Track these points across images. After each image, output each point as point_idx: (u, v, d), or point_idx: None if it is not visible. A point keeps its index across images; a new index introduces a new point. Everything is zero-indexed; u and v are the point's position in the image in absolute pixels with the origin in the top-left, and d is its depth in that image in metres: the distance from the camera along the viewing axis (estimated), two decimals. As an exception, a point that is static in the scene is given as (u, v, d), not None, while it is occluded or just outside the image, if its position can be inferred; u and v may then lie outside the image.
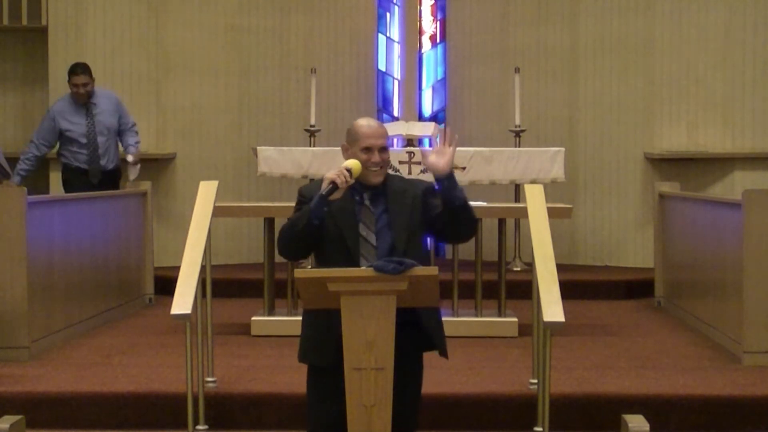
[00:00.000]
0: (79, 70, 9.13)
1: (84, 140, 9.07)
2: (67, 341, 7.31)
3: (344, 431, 4.01)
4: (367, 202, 4.16)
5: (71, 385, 6.00)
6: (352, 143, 4.19)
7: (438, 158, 4.05)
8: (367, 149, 4.14)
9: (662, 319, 8.52)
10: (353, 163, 4.08)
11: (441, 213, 4.11)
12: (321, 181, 4.13)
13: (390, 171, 4.31)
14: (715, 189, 10.39)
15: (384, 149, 4.15)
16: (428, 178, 4.29)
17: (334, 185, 4.00)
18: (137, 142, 9.35)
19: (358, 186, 4.15)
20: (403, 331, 3.97)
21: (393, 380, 3.92)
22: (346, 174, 4.02)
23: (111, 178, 9.22)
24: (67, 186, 9.20)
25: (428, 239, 4.33)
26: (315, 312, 4.16)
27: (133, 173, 9.25)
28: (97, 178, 9.07)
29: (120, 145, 9.35)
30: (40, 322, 6.97)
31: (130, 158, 9.21)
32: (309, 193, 4.17)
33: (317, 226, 4.07)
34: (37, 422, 5.61)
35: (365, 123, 4.23)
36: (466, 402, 5.78)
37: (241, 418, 5.77)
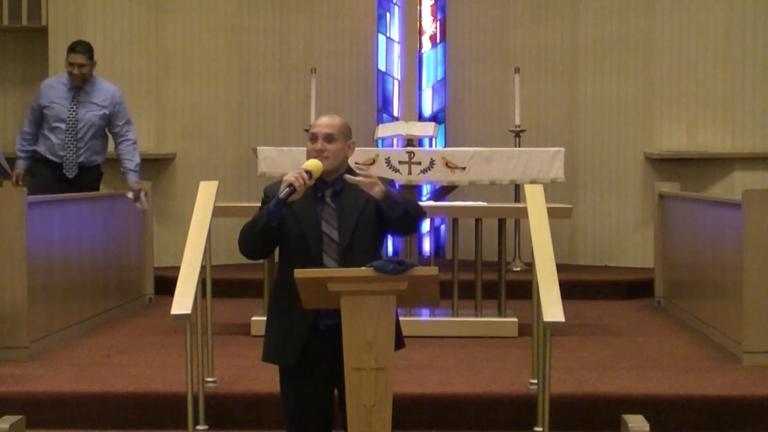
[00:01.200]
0: (78, 48, 8.37)
1: (62, 125, 8.24)
2: (67, 341, 7.31)
3: (310, 422, 4.17)
4: (328, 199, 4.20)
5: (71, 385, 6.00)
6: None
7: (369, 189, 4.06)
8: (312, 137, 4.26)
9: (662, 319, 8.52)
10: (313, 164, 4.13)
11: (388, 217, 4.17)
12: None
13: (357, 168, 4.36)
14: (715, 189, 10.39)
15: (329, 138, 4.21)
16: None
17: (292, 187, 4.03)
18: (137, 165, 8.38)
19: (321, 183, 4.20)
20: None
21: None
22: (305, 176, 4.05)
23: (90, 177, 8.42)
24: (35, 180, 8.28)
25: (386, 237, 4.35)
26: (277, 312, 4.22)
27: (140, 205, 8.53)
28: (72, 171, 8.26)
29: (118, 156, 8.46)
30: (40, 322, 6.96)
31: (130, 194, 8.40)
32: (272, 192, 4.21)
33: (276, 227, 4.12)
34: (37, 422, 5.61)
35: (323, 116, 4.37)
36: (466, 402, 5.77)
37: (241, 418, 5.77)
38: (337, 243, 4.13)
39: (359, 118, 11.17)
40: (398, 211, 4.07)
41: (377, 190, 4.04)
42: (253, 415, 5.76)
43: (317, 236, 4.14)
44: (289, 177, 4.06)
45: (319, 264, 4.10)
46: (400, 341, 4.20)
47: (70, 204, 7.83)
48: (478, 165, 9.13)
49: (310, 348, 4.15)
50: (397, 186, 4.28)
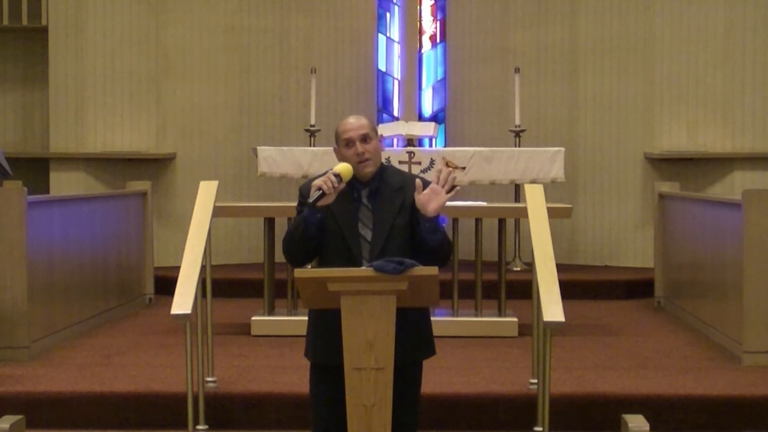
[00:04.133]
0: None
1: None
2: (67, 341, 7.31)
3: (340, 422, 4.02)
4: (364, 200, 4.13)
5: (71, 385, 6.00)
6: (338, 143, 4.18)
7: (430, 199, 4.01)
8: (348, 143, 4.11)
9: (662, 319, 8.52)
10: (342, 167, 4.05)
11: (418, 237, 4.11)
12: (320, 176, 4.12)
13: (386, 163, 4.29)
14: (715, 189, 10.39)
15: (366, 138, 4.11)
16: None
17: (321, 192, 3.97)
18: None
19: (356, 183, 4.12)
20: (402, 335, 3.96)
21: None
22: (333, 180, 3.98)
23: None
24: None
25: None
26: (322, 313, 4.13)
27: None
28: None
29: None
30: (40, 322, 6.97)
31: None
32: (307, 191, 4.13)
33: (316, 232, 4.06)
34: (37, 422, 5.61)
35: (343, 121, 4.20)
36: (466, 402, 5.78)
37: (241, 418, 5.77)
38: (370, 244, 4.09)
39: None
40: (432, 244, 4.00)
41: (434, 207, 3.98)
42: (253, 415, 5.76)
43: (355, 237, 4.09)
44: (318, 182, 3.99)
45: (358, 265, 4.04)
46: (431, 347, 4.21)
47: (70, 204, 7.83)
48: (478, 165, 9.14)
49: None
50: (444, 221, 4.17)
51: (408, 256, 3.98)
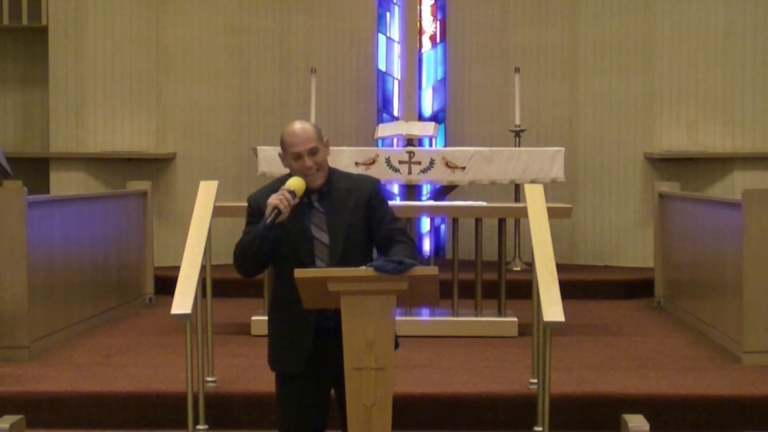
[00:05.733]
0: None
1: None
2: (67, 341, 7.31)
3: (308, 425, 4.16)
4: (316, 204, 4.14)
5: (71, 385, 6.00)
6: (284, 152, 4.16)
7: None
8: (296, 156, 4.10)
9: (662, 319, 8.52)
10: (296, 182, 4.03)
11: (379, 238, 4.13)
12: (269, 187, 4.12)
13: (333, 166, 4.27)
14: (715, 189, 10.39)
15: (313, 151, 4.09)
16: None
17: (277, 210, 3.96)
18: None
19: (306, 189, 4.10)
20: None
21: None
22: (289, 197, 3.97)
23: None
24: None
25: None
26: (280, 319, 4.19)
27: None
28: None
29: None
30: (40, 322, 6.97)
31: None
32: (257, 204, 4.14)
33: (271, 247, 4.06)
34: (37, 422, 5.61)
35: (290, 131, 4.14)
36: (466, 402, 5.78)
37: (241, 418, 5.77)
38: (328, 246, 4.09)
39: (359, 118, 11.18)
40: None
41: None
42: (253, 415, 5.76)
43: (308, 242, 4.10)
44: (273, 200, 3.97)
45: (312, 267, 4.06)
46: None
47: (70, 204, 7.83)
48: (478, 165, 9.14)
49: (313, 352, 4.13)
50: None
51: (369, 257, 4.05)
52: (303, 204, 4.09)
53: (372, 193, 4.17)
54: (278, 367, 4.26)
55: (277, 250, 4.09)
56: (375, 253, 4.18)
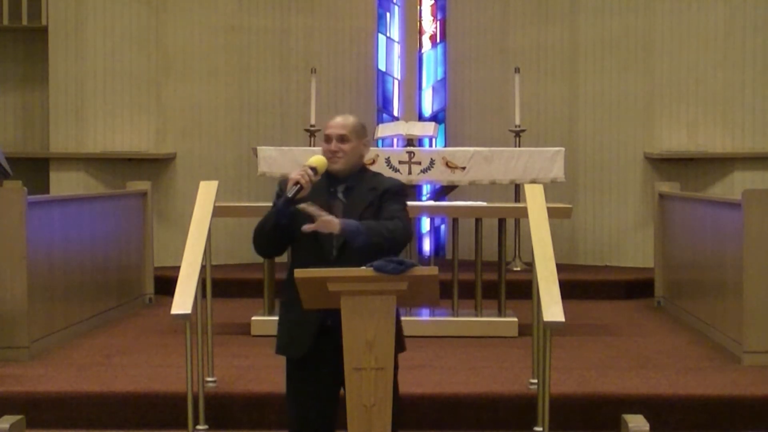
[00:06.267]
0: None
1: None
2: (67, 341, 7.31)
3: (315, 422, 4.15)
4: (340, 195, 4.25)
5: (71, 385, 6.00)
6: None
7: (324, 228, 4.07)
8: (326, 138, 4.28)
9: (662, 319, 8.52)
10: (316, 160, 4.18)
11: None
12: None
13: (373, 168, 4.38)
14: (715, 189, 10.39)
15: (343, 139, 4.25)
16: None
17: (299, 186, 4.07)
18: None
19: (334, 179, 4.25)
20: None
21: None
22: (310, 173, 4.11)
23: None
24: None
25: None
26: (287, 305, 4.24)
27: None
28: None
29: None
30: (40, 322, 6.97)
31: None
32: (286, 186, 4.22)
33: (286, 225, 4.15)
34: (37, 422, 5.61)
35: (335, 117, 4.37)
36: (466, 402, 5.77)
37: (241, 418, 5.76)
38: (336, 236, 4.14)
39: (359, 118, 11.16)
40: (359, 243, 4.07)
41: (332, 227, 4.05)
42: (253, 415, 5.76)
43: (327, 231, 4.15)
44: (295, 175, 4.10)
45: (328, 257, 4.13)
46: (400, 344, 4.19)
47: (70, 204, 7.83)
48: (478, 165, 9.14)
49: (318, 344, 4.14)
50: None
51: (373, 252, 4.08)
52: (329, 193, 4.23)
53: (390, 189, 4.28)
54: (281, 350, 4.29)
55: (292, 230, 4.15)
56: None
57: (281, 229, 4.16)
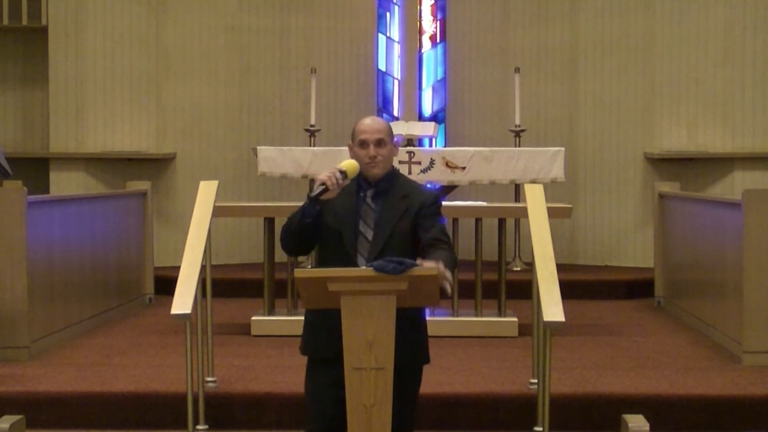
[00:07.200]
0: None
1: None
2: (67, 341, 7.31)
3: (341, 425, 4.03)
4: (368, 200, 4.20)
5: (71, 385, 6.00)
6: (353, 141, 4.27)
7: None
8: (362, 143, 4.20)
9: (662, 319, 8.52)
10: (348, 164, 4.13)
11: (423, 244, 4.15)
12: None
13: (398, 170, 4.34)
14: (715, 189, 10.39)
15: (380, 143, 4.18)
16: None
17: (324, 187, 4.04)
18: None
19: (364, 183, 4.20)
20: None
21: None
22: (338, 176, 4.06)
23: None
24: None
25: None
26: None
27: None
28: None
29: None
30: (40, 322, 6.97)
31: None
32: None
33: (311, 224, 4.12)
34: (37, 422, 5.61)
35: (362, 121, 4.29)
36: (466, 402, 5.77)
37: (241, 418, 5.76)
38: (370, 243, 4.12)
39: (359, 118, 11.13)
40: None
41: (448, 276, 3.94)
42: (253, 415, 5.76)
43: (353, 234, 4.13)
44: (322, 176, 4.06)
45: (353, 261, 4.10)
46: (425, 354, 4.18)
47: (70, 204, 7.83)
48: (478, 165, 9.14)
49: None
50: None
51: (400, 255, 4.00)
52: (358, 198, 4.18)
53: (426, 202, 4.21)
54: (309, 351, 4.23)
55: (318, 231, 4.14)
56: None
57: (308, 228, 4.13)
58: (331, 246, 4.15)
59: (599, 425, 5.66)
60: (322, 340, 4.14)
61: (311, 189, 4.22)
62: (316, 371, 4.22)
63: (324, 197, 4.05)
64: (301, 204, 4.23)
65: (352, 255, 4.11)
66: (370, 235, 4.14)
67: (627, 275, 10.00)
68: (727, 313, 7.10)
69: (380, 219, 4.14)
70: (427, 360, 4.24)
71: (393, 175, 4.25)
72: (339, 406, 4.04)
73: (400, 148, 9.57)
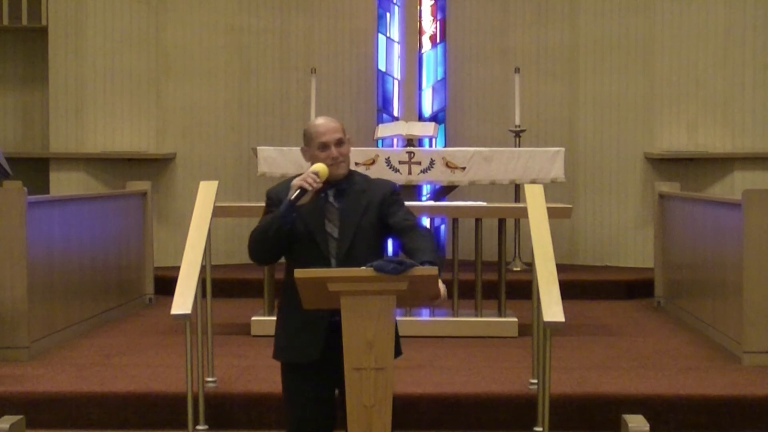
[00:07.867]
0: None
1: None
2: (67, 341, 7.31)
3: (315, 423, 4.15)
4: (331, 199, 4.23)
5: (71, 385, 6.00)
6: (309, 144, 4.27)
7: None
8: (324, 146, 4.21)
9: (662, 319, 8.52)
10: (320, 167, 4.15)
11: (396, 231, 4.20)
12: (288, 182, 4.19)
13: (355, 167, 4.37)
14: (715, 189, 10.39)
15: (340, 142, 4.22)
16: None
17: (302, 190, 4.05)
18: None
19: (324, 183, 4.20)
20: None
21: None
22: (314, 178, 4.08)
23: None
24: None
25: (387, 239, 4.36)
26: (289, 310, 4.21)
27: None
28: None
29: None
30: (40, 322, 6.97)
31: None
32: (276, 195, 4.22)
33: (288, 231, 4.12)
34: (37, 422, 5.61)
35: (317, 122, 4.30)
36: (466, 402, 5.77)
37: (241, 418, 5.76)
38: (337, 241, 4.15)
39: (359, 118, 11.18)
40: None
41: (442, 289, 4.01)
42: (253, 415, 5.76)
43: (323, 234, 4.16)
44: (298, 181, 4.08)
45: (327, 261, 4.13)
46: (397, 348, 4.18)
47: (70, 204, 7.83)
48: (478, 165, 9.14)
49: (328, 344, 4.12)
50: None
51: (376, 255, 4.08)
52: (320, 199, 4.19)
53: (386, 194, 4.26)
54: (290, 356, 4.25)
55: (292, 237, 4.15)
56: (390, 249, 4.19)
57: (283, 235, 4.13)
58: (303, 249, 4.16)
59: (599, 425, 5.65)
60: (299, 343, 4.19)
61: (270, 201, 4.23)
62: (294, 374, 4.25)
63: (300, 202, 4.07)
64: (258, 205, 4.24)
65: (325, 255, 4.14)
66: (336, 233, 4.17)
67: (627, 275, 10.00)
68: (727, 313, 7.10)
69: (344, 216, 4.18)
70: (399, 352, 4.21)
71: (350, 173, 4.30)
72: (319, 406, 4.08)
73: (400, 148, 9.60)
